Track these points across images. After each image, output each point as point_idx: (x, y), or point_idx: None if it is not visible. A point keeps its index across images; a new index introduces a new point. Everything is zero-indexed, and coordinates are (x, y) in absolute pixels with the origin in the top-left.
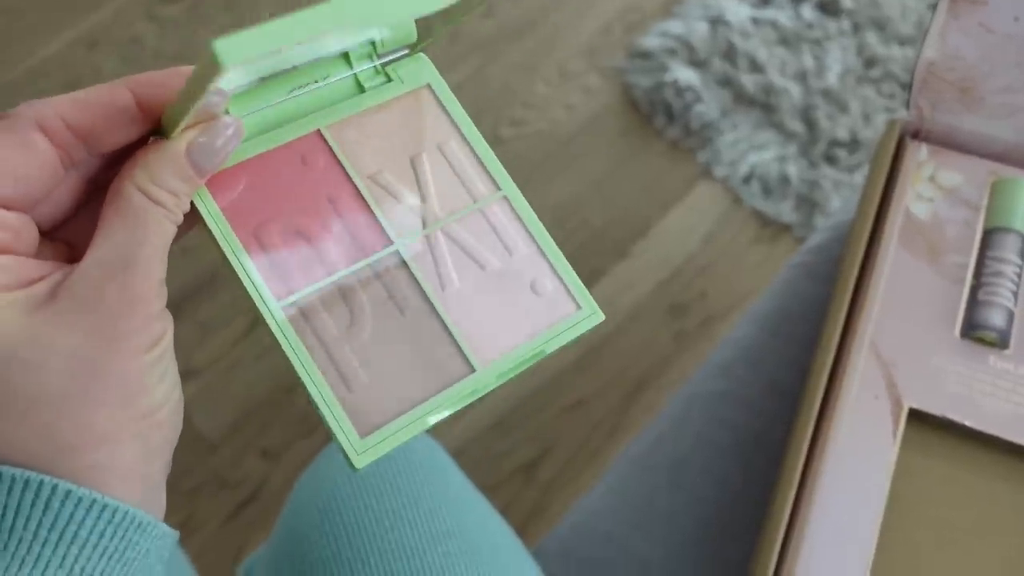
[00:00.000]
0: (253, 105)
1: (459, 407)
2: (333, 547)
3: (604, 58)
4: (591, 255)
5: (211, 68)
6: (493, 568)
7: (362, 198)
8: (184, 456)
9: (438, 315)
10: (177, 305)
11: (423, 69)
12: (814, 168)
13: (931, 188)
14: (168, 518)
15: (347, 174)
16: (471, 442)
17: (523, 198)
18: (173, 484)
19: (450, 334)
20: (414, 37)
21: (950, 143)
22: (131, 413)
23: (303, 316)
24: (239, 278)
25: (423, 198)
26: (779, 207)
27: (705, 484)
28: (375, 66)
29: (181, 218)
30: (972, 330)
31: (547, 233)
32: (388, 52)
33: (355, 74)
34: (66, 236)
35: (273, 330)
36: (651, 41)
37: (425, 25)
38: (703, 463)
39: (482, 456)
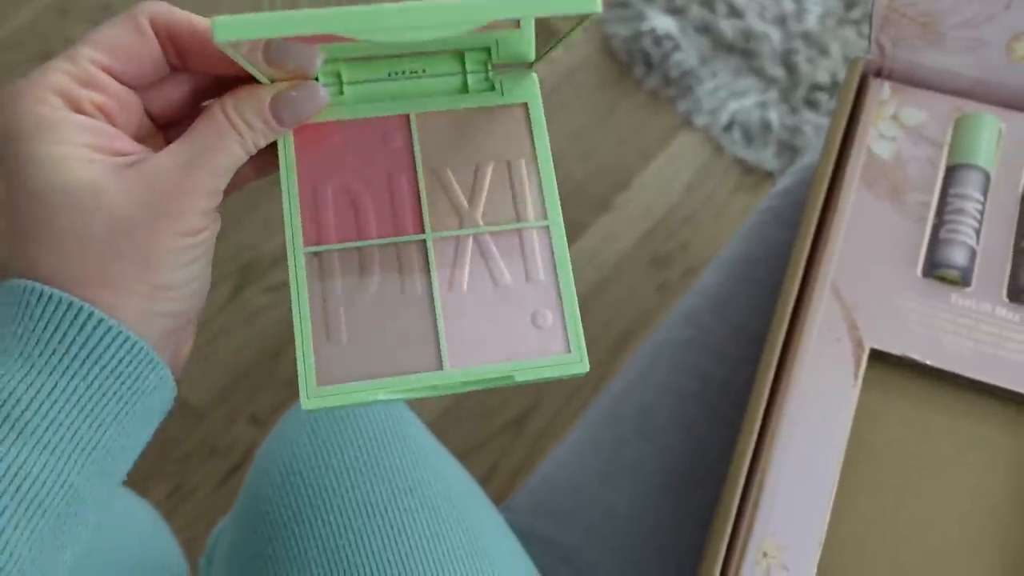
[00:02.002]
0: (362, 75)
1: (413, 396)
2: (294, 507)
3: None
4: (574, 209)
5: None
6: (455, 522)
7: (417, 185)
8: (172, 424)
9: (434, 309)
10: None
11: (528, 87)
12: (795, 113)
13: (894, 127)
14: (158, 486)
15: (414, 160)
16: (464, 397)
17: (564, 235)
18: (163, 452)
19: (436, 329)
20: (531, 56)
21: (913, 80)
22: (144, 277)
23: (320, 265)
24: (284, 216)
25: (471, 203)
26: (761, 154)
27: (670, 432)
28: (485, 74)
29: (252, 148)
30: (934, 269)
31: (571, 275)
32: (502, 63)
33: (464, 76)
34: (171, 137)
35: (289, 266)
36: None
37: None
38: (669, 411)
39: (474, 411)
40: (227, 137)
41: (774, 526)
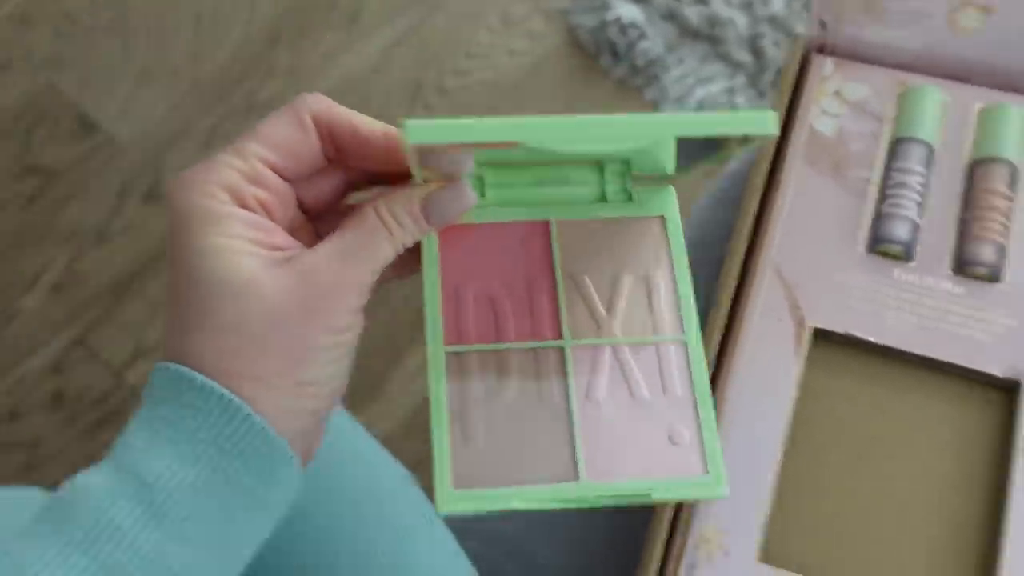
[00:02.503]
0: (505, 179)
1: (548, 507)
2: None
3: (547, 0)
4: None
5: (403, 142)
6: (381, 522)
7: (556, 290)
8: None
9: (571, 417)
10: (126, 284)
11: (665, 200)
12: (762, 98)
13: (836, 103)
14: None
15: (553, 265)
16: None
17: (702, 351)
18: None
19: (573, 438)
20: (669, 170)
21: (856, 55)
22: (291, 372)
23: (459, 366)
24: (426, 314)
25: (609, 312)
26: None
27: None
28: (624, 185)
29: (400, 247)
30: (876, 244)
31: (710, 392)
32: (640, 175)
33: (603, 186)
34: (319, 228)
35: (430, 366)
36: None
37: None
38: None
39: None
40: (378, 235)
41: (716, 510)
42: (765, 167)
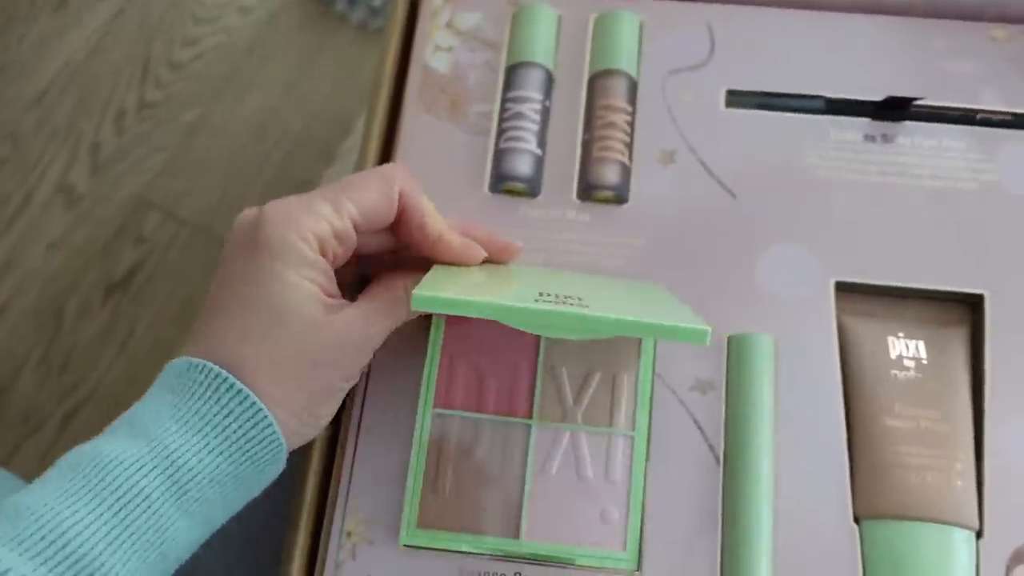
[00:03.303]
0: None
1: (488, 553)
2: None
3: None
4: (298, 165)
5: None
6: None
7: (535, 376)
8: None
9: (524, 484)
10: None
11: None
12: None
13: (449, 35)
14: None
15: (537, 355)
16: None
17: (645, 448)
18: None
19: (521, 503)
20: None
21: None
22: (309, 407)
23: (443, 425)
24: (424, 375)
25: (575, 402)
26: None
27: None
28: None
29: (415, 315)
30: (499, 183)
31: (643, 483)
32: None
33: None
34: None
35: (417, 420)
36: None
37: None
38: None
39: None
40: (400, 306)
41: (358, 501)
42: (382, 114)
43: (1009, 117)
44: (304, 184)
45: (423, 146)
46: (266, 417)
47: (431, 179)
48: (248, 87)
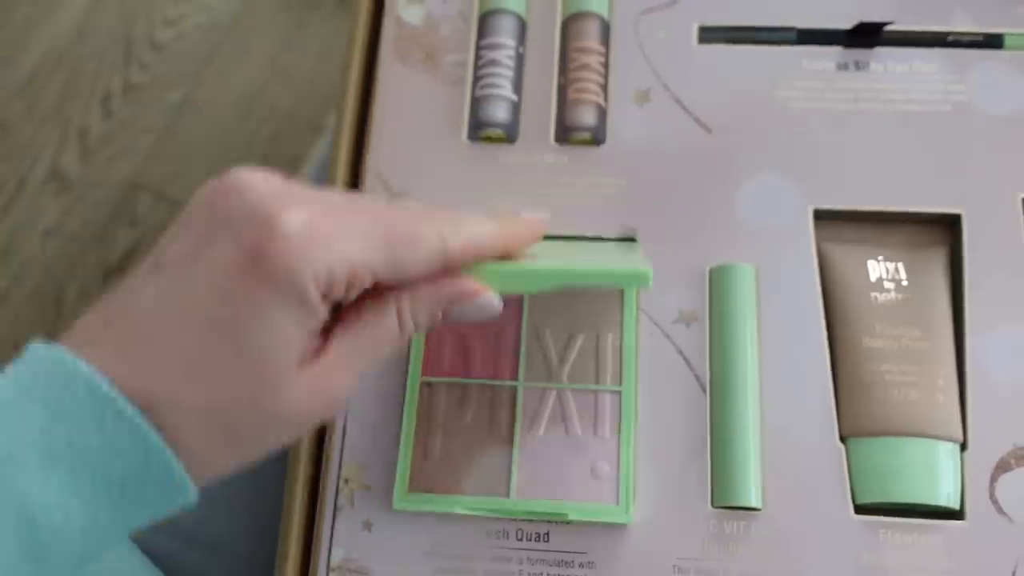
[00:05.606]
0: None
1: (480, 514)
2: None
3: None
4: (287, 141)
5: None
6: None
7: (519, 340)
8: None
9: (513, 444)
10: None
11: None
12: None
13: None
14: None
15: (521, 319)
16: None
17: (634, 402)
18: None
19: (511, 462)
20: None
21: None
22: (247, 457)
23: (430, 392)
24: (410, 347)
25: (560, 362)
26: None
27: None
28: None
29: (405, 343)
30: (477, 131)
31: (632, 437)
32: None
33: None
34: None
35: (407, 390)
36: None
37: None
38: None
39: None
40: (389, 345)
41: (353, 449)
42: (357, 70)
43: (980, 38)
44: (295, 159)
45: (400, 99)
46: (180, 477)
47: (409, 131)
48: (231, 66)
